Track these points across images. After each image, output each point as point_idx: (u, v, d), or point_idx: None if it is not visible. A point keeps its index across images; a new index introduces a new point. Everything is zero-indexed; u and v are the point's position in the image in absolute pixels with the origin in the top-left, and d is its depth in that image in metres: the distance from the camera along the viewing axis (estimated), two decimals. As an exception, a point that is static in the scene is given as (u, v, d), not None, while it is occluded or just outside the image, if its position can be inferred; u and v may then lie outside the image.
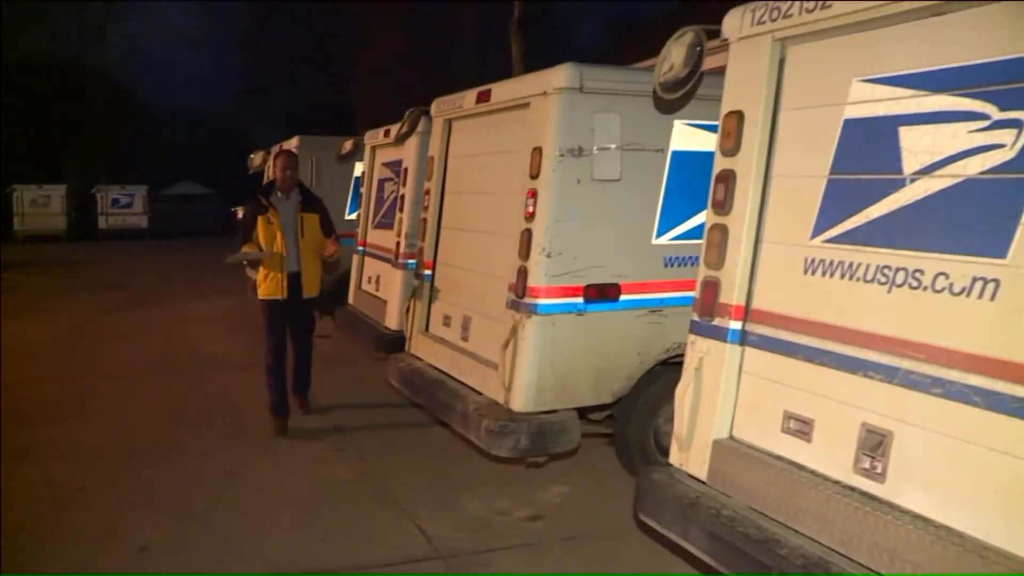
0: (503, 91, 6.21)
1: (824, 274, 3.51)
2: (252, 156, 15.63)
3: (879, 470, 3.19)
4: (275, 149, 14.32)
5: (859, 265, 3.34)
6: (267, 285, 7.47)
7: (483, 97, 6.39)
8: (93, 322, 14.34)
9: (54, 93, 48.58)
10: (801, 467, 3.53)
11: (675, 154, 5.70)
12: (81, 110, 49.94)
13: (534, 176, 5.49)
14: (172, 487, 6.21)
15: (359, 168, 11.45)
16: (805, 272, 3.61)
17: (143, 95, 64.84)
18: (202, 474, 6.47)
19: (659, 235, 5.72)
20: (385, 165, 9.73)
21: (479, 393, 5.97)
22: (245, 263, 7.68)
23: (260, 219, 7.40)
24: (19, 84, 47.28)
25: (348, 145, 11.21)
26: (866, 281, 3.30)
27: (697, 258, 5.27)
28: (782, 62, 3.81)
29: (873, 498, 3.19)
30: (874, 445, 3.20)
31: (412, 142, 8.50)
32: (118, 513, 5.75)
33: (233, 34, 53.05)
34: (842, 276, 3.42)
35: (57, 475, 6.43)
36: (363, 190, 10.41)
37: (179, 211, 44.88)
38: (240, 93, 58.06)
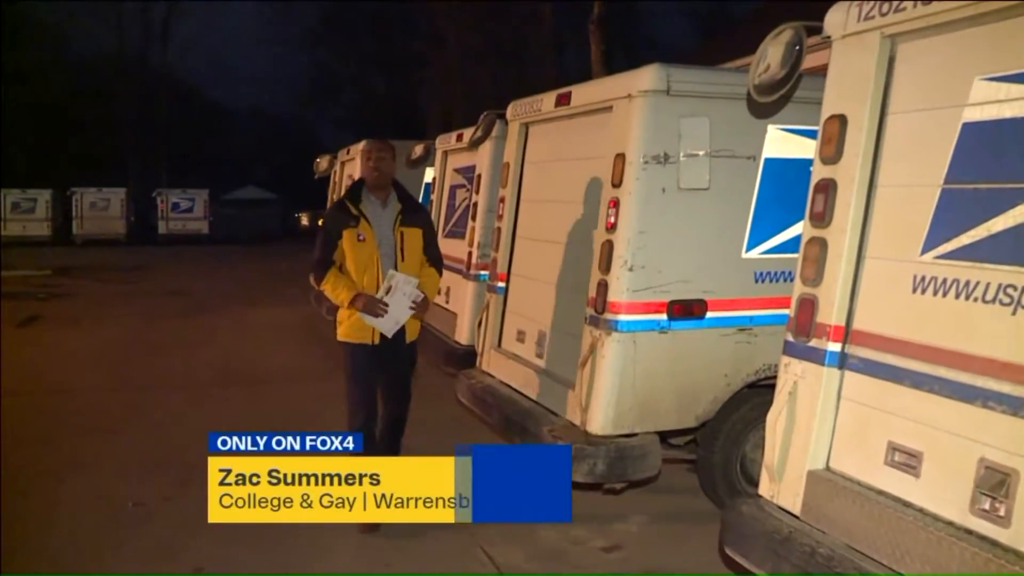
0: (584, 94, 6.15)
1: (936, 293, 3.37)
2: (318, 160, 15.77)
3: (1001, 513, 3.02)
4: (343, 152, 14.42)
5: (977, 284, 3.20)
6: (351, 323, 5.79)
7: (563, 100, 6.34)
8: (153, 330, 14.59)
9: (117, 93, 49.78)
10: (908, 504, 3.39)
11: (768, 161, 5.58)
12: (144, 110, 51.08)
13: (616, 184, 5.42)
14: (231, 505, 6.23)
15: (429, 174, 11.46)
16: (914, 291, 3.48)
17: (208, 95, 66.15)
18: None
19: (749, 248, 5.60)
20: (457, 171, 9.73)
21: (554, 414, 5.91)
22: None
23: (347, 234, 5.68)
24: (81, 84, 48.58)
25: (418, 149, 11.23)
26: (986, 302, 3.15)
27: (790, 273, 5.15)
28: (891, 60, 3.68)
29: (995, 544, 3.02)
30: (995, 484, 3.04)
31: (486, 147, 8.48)
32: (174, 531, 5.77)
33: (302, 34, 53.86)
34: (957, 295, 3.28)
35: (112, 489, 6.50)
36: (433, 197, 10.42)
37: (241, 216, 45.59)
38: (307, 94, 58.92)
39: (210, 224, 42.26)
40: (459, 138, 9.48)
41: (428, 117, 39.12)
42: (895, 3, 3.58)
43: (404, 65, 45.13)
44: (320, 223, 6.31)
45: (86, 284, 22.06)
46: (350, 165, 13.58)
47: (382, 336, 5.75)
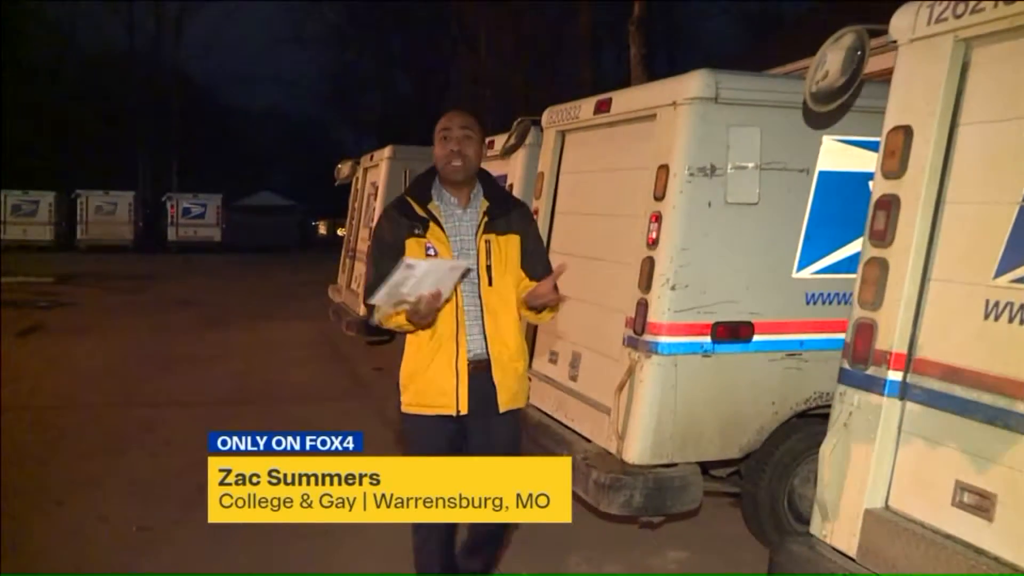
0: (625, 100, 6.12)
1: (1012, 320, 3.30)
2: (339, 166, 15.79)
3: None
4: (366, 158, 14.44)
5: (1061, 311, 3.14)
6: (420, 385, 4.19)
7: (602, 107, 6.31)
8: (162, 343, 14.62)
9: (126, 92, 50.20)
10: (980, 551, 3.31)
11: (823, 175, 5.52)
12: (155, 110, 51.48)
13: (659, 197, 5.37)
14: (242, 531, 6.16)
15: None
16: (986, 316, 3.41)
17: (224, 96, 66.67)
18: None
19: (801, 268, 5.54)
20: (487, 179, 9.70)
21: (588, 441, 5.85)
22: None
23: (411, 246, 4.11)
24: (89, 82, 49.02)
25: (446, 156, 11.20)
26: (1070, 331, 3.09)
27: (844, 295, 5.12)
28: (965, 67, 3.62)
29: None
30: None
31: (519, 156, 8.45)
32: (180, 558, 5.77)
33: (325, 33, 54.42)
34: (1036, 323, 3.21)
35: (116, 512, 6.50)
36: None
37: (255, 223, 45.81)
38: (330, 97, 59.22)
39: (223, 231, 42.49)
40: (490, 145, 9.44)
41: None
42: (971, 3, 3.52)
43: (431, 66, 45.38)
44: (372, 231, 5.09)
45: (91, 293, 22.19)
46: (373, 172, 13.61)
47: (470, 403, 4.15)
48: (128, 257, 36.27)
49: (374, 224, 4.14)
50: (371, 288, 3.92)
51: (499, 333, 4.18)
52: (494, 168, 9.29)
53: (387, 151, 12.90)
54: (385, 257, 4.04)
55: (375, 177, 13.30)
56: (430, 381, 4.13)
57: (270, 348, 14.45)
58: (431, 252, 4.08)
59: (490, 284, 4.16)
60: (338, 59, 56.05)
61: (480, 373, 4.16)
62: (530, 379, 4.40)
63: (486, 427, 4.19)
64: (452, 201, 4.25)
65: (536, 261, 4.30)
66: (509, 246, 4.22)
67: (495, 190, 4.40)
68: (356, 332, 12.30)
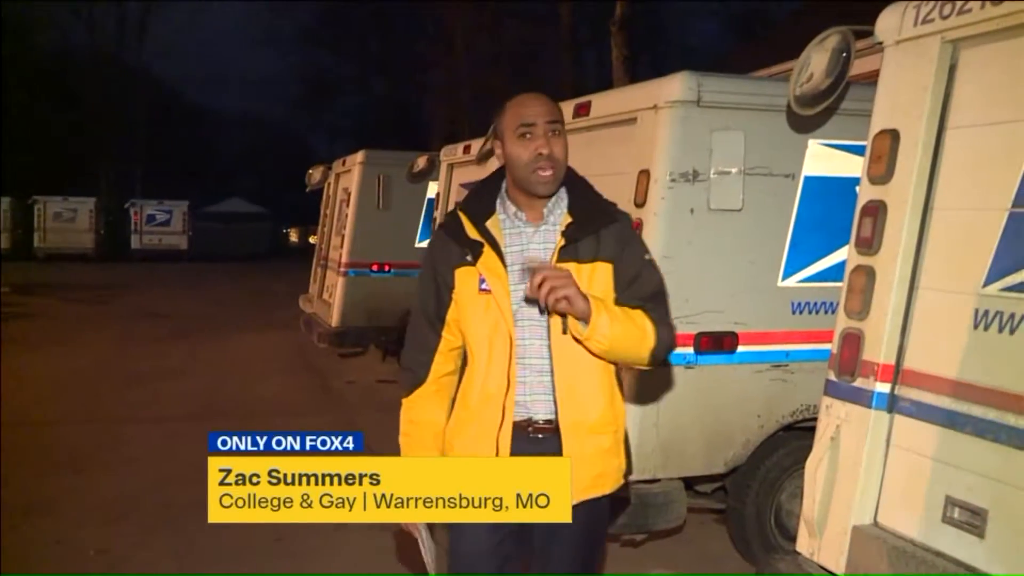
0: (605, 104, 6.10)
1: (1002, 329, 3.31)
2: (311, 171, 15.72)
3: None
4: (338, 163, 14.39)
5: (1052, 320, 3.15)
6: (457, 451, 3.35)
7: (581, 110, 6.30)
8: (126, 356, 14.56)
9: (88, 92, 49.82)
10: (971, 569, 3.31)
11: (808, 180, 5.53)
12: (119, 112, 51.12)
13: (640, 204, 5.37)
14: (208, 554, 6.13)
15: (433, 189, 11.42)
16: (976, 326, 3.42)
17: (192, 98, 66.47)
18: (244, 539, 6.37)
19: (786, 276, 5.55)
20: (464, 186, 9.67)
21: (568, 456, 5.83)
22: None
23: (461, 278, 3.15)
24: (48, 83, 48.58)
25: (422, 162, 11.21)
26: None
27: (832, 304, 5.11)
28: (952, 69, 3.63)
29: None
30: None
31: (496, 162, 8.42)
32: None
33: (297, 33, 54.51)
34: (1028, 333, 3.22)
35: (73, 534, 6.43)
36: (437, 214, 10.38)
37: (224, 231, 45.65)
38: (303, 100, 59.15)
39: (189, 239, 42.31)
40: (466, 150, 9.43)
41: (433, 126, 39.21)
42: (959, 4, 3.53)
43: (407, 69, 45.36)
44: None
45: (50, 304, 22.06)
46: (346, 177, 13.53)
47: None
48: (89, 266, 36.06)
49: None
50: (408, 342, 3.40)
51: (574, 395, 3.10)
52: (470, 175, 9.29)
53: (360, 156, 12.81)
54: (429, 300, 3.24)
55: (348, 183, 13.23)
56: (464, 450, 3.26)
57: (239, 361, 14.39)
58: (484, 287, 3.10)
59: (564, 331, 3.02)
60: (312, 61, 56.08)
61: (545, 448, 3.12)
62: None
63: (556, 527, 3.00)
64: (519, 216, 3.19)
65: (634, 292, 3.10)
66: (596, 279, 3.07)
67: (583, 199, 3.21)
68: (328, 343, 12.25)
